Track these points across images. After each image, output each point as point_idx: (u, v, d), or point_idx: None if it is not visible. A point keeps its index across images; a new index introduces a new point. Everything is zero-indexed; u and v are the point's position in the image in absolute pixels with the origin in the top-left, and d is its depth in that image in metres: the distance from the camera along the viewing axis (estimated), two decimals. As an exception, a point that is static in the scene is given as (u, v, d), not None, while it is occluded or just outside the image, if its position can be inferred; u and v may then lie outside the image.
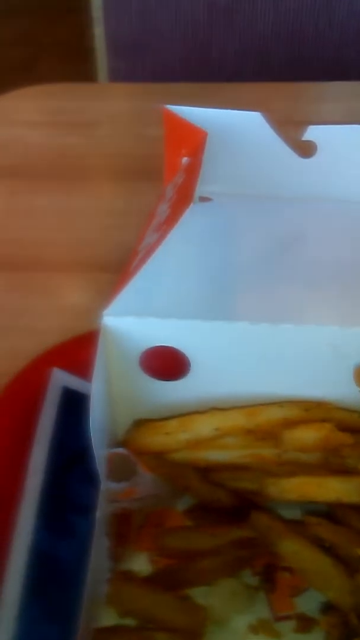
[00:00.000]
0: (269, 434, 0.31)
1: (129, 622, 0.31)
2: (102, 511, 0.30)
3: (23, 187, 0.59)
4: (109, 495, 0.30)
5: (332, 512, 0.31)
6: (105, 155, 0.63)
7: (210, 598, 0.32)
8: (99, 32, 0.90)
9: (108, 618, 0.31)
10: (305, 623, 0.31)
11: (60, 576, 0.32)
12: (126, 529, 0.33)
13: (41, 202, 0.57)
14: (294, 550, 0.29)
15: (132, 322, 0.30)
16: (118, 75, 0.89)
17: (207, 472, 0.33)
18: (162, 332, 0.31)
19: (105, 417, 0.32)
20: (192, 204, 0.41)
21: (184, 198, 0.35)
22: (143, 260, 0.31)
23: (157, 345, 0.31)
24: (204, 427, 0.31)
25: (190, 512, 0.34)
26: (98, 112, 0.69)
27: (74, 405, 0.38)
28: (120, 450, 0.31)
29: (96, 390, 0.29)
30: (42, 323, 0.47)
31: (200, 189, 0.44)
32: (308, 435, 0.29)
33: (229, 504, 0.33)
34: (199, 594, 0.32)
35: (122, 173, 0.62)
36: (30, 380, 0.39)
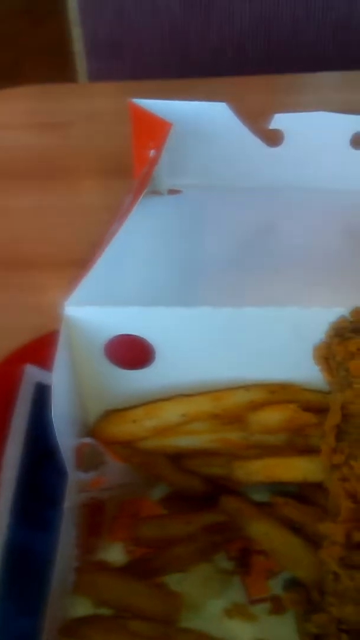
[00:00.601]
0: (236, 418, 0.31)
1: (104, 611, 0.31)
2: (70, 501, 0.30)
3: (1, 187, 0.59)
4: (78, 485, 0.30)
5: (302, 492, 0.31)
6: (82, 154, 0.63)
7: (184, 584, 0.32)
8: (76, 34, 0.90)
9: (83, 608, 0.31)
10: (279, 605, 0.31)
11: (34, 570, 0.32)
12: (99, 519, 0.33)
13: (18, 201, 0.58)
14: (263, 531, 0.30)
15: (94, 311, 0.30)
16: (98, 75, 0.89)
17: (178, 459, 0.33)
18: (125, 321, 0.31)
19: (72, 408, 0.32)
20: (156, 196, 0.42)
21: (142, 186, 0.36)
22: (102, 249, 0.31)
23: (120, 334, 0.31)
24: (171, 413, 0.31)
25: (165, 501, 0.35)
26: (77, 112, 0.69)
27: (47, 400, 0.39)
28: (88, 440, 0.31)
29: (58, 380, 0.29)
30: (17, 321, 0.47)
31: (170, 182, 0.44)
32: (273, 416, 0.29)
33: (202, 490, 0.33)
34: (174, 581, 0.32)
35: (100, 171, 0.62)
36: (4, 377, 0.40)
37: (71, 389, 0.32)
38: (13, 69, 1.51)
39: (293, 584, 0.30)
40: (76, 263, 0.55)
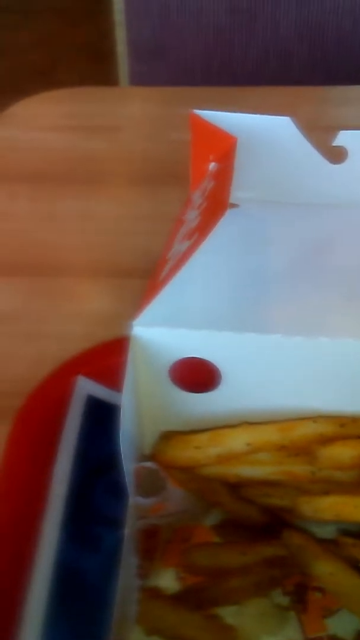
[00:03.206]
0: (303, 450, 0.30)
1: (156, 640, 0.30)
2: (130, 527, 0.29)
3: (45, 192, 0.58)
4: (137, 510, 0.29)
5: (367, 532, 0.30)
6: (126, 159, 0.63)
7: (239, 618, 0.31)
8: (120, 36, 0.89)
9: (135, 636, 0.30)
10: (337, 645, 0.30)
11: (85, 591, 0.31)
12: (153, 544, 0.32)
13: (63, 207, 0.57)
14: (328, 571, 0.28)
15: (162, 332, 0.29)
16: (139, 79, 0.88)
17: (237, 487, 0.32)
18: (192, 343, 0.30)
19: (134, 429, 0.31)
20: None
21: (216, 205, 0.35)
22: (174, 269, 0.30)
23: (187, 356, 0.30)
24: (236, 441, 0.30)
25: (219, 528, 0.34)
26: (119, 116, 0.68)
27: (98, 414, 0.38)
28: (149, 464, 0.30)
29: (126, 401, 0.28)
30: (66, 329, 0.46)
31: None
32: (344, 452, 0.28)
33: (259, 520, 0.32)
34: (228, 614, 0.31)
35: (145, 178, 0.61)
36: (55, 388, 0.39)
37: (134, 410, 0.31)
38: (49, 70, 1.50)
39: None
40: (119, 272, 0.54)
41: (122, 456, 0.28)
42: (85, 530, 0.33)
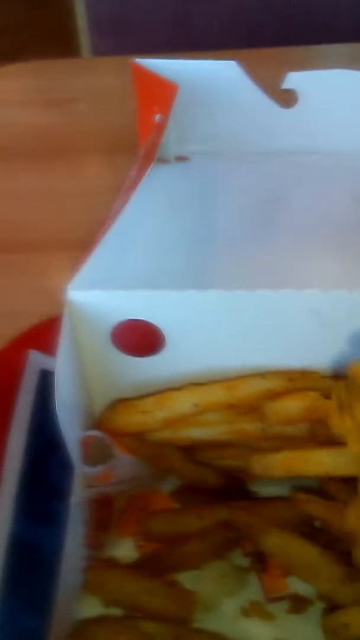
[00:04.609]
0: (252, 408, 0.29)
1: (115, 611, 0.30)
2: (77, 497, 0.28)
3: (3, 168, 0.57)
4: (85, 480, 0.29)
5: (323, 487, 0.29)
6: (87, 132, 0.61)
7: (198, 582, 0.30)
8: (80, 12, 0.87)
9: (92, 608, 0.30)
10: (299, 603, 0.29)
11: (40, 566, 0.30)
12: (107, 514, 0.31)
13: (20, 182, 0.56)
14: (277, 544, 0.28)
15: (99, 295, 0.28)
16: (103, 53, 0.87)
17: (190, 451, 0.31)
18: (132, 305, 0.29)
19: (78, 398, 0.30)
20: (162, 164, 0.39)
21: (148, 158, 0.33)
22: (107, 228, 0.29)
23: (128, 319, 0.29)
24: (182, 403, 0.29)
25: (177, 494, 0.33)
26: (78, 88, 0.67)
27: (52, 388, 0.37)
28: (95, 432, 0.30)
29: (62, 370, 0.27)
30: (20, 305, 0.45)
31: (177, 149, 0.41)
32: (292, 405, 0.28)
33: (216, 483, 0.32)
34: (187, 579, 0.30)
35: (105, 149, 0.60)
36: (7, 363, 0.38)
37: (76, 378, 0.30)
38: (16, 53, 1.47)
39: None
40: (81, 245, 0.52)
41: (62, 425, 0.27)
42: (40, 505, 0.33)
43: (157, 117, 0.36)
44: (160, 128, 0.35)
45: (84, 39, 0.88)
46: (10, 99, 0.65)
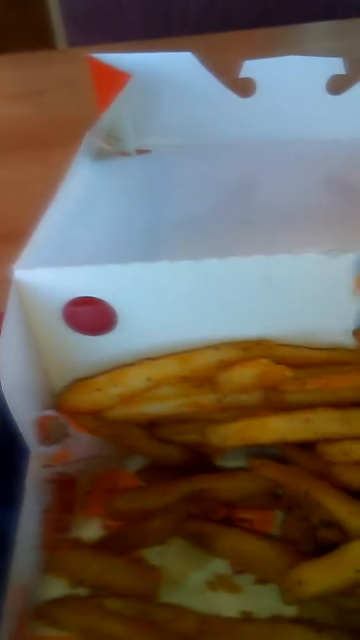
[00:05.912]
0: (206, 380, 0.29)
1: (81, 591, 0.29)
2: (33, 477, 0.28)
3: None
4: (41, 460, 0.28)
5: (283, 455, 0.29)
6: (56, 123, 0.61)
7: (163, 558, 0.30)
8: (54, 6, 0.87)
9: (58, 589, 0.29)
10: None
11: (5, 550, 0.30)
12: (70, 495, 0.31)
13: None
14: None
15: (46, 273, 0.28)
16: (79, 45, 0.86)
17: (152, 428, 0.31)
18: (81, 282, 0.28)
19: (33, 379, 0.30)
20: (123, 157, 0.39)
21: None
22: (50, 207, 0.28)
23: (78, 296, 0.29)
24: (135, 378, 0.29)
25: (143, 472, 0.33)
26: (50, 79, 0.67)
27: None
28: (50, 412, 0.29)
29: (7, 351, 0.27)
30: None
31: (138, 142, 0.41)
32: (244, 373, 0.27)
33: (180, 459, 0.31)
34: (153, 555, 0.30)
35: (75, 140, 0.60)
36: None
37: (30, 359, 0.29)
38: (-2, 53, 1.48)
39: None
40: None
41: (10, 406, 0.27)
42: (5, 490, 0.32)
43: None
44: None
45: (59, 30, 0.88)
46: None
